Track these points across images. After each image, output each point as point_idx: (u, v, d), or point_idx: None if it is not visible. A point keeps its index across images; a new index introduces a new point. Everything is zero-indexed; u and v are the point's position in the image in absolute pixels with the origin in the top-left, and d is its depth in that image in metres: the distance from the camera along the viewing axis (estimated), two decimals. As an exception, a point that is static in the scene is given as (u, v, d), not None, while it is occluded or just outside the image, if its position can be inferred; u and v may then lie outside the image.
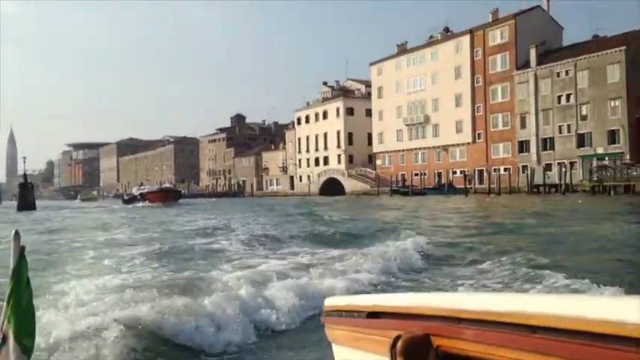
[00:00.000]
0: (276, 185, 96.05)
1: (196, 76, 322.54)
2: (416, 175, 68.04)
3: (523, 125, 57.22)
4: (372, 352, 1.41)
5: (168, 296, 5.69)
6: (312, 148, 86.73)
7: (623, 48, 49.01)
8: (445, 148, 65.99)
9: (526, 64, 57.12)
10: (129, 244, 12.57)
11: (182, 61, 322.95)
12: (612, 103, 49.66)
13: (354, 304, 1.61)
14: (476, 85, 62.45)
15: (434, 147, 67.46)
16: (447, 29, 69.72)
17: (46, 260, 9.85)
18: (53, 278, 7.52)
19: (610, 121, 49.76)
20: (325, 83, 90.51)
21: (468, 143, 63.23)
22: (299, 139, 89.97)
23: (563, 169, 48.78)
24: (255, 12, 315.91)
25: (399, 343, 1.24)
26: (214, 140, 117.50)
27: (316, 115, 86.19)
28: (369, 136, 78.21)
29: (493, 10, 63.17)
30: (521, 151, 57.26)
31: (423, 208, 29.76)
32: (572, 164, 51.52)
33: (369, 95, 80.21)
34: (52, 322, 4.68)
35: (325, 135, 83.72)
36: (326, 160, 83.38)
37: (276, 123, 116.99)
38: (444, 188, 57.08)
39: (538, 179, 50.99)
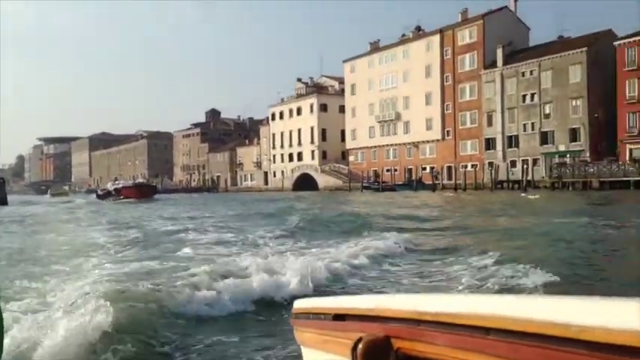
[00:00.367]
0: (251, 181, 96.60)
1: (172, 70, 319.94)
2: (387, 171, 69.40)
3: (490, 123, 58.95)
4: (337, 355, 1.42)
5: (141, 292, 5.90)
6: (286, 143, 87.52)
7: (584, 49, 50.91)
8: (416, 144, 67.44)
9: (493, 64, 58.79)
10: (97, 238, 13.17)
11: (157, 56, 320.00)
12: (574, 103, 51.57)
13: (321, 306, 1.62)
14: (445, 83, 63.97)
15: (405, 143, 68.86)
16: (418, 28, 71.06)
17: (18, 259, 10.03)
18: (21, 279, 7.50)
19: (571, 119, 51.69)
20: (299, 80, 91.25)
21: (438, 140, 64.77)
22: (273, 135, 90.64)
23: (525, 166, 50.53)
24: (231, 8, 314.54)
25: (360, 346, 1.26)
26: (188, 135, 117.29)
27: (290, 111, 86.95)
28: (343, 132, 79.29)
29: (462, 10, 64.78)
30: (487, 148, 59.00)
31: (379, 205, 30.87)
32: (535, 161, 53.38)
33: (342, 92, 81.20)
34: (20, 322, 4.68)
35: (299, 131, 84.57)
36: (300, 156, 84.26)
37: (251, 119, 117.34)
38: (413, 184, 58.52)
39: (503, 176, 52.78)
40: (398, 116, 69.75)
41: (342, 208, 25.44)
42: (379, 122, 72.19)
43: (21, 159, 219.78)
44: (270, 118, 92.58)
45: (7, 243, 13.52)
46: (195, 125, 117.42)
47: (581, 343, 0.79)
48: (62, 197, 79.25)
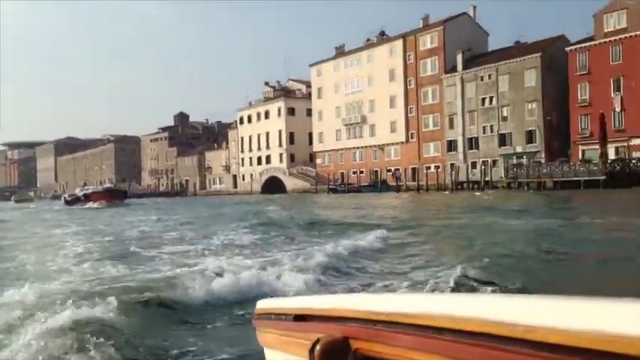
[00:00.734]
0: (220, 184, 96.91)
1: (139, 73, 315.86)
2: (354, 173, 70.80)
3: (451, 126, 60.89)
4: (297, 356, 1.41)
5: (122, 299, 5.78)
6: (254, 147, 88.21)
7: (538, 55, 53.18)
8: (381, 147, 68.98)
9: (454, 68, 60.75)
10: (68, 245, 13.67)
11: (124, 58, 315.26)
12: (529, 106, 53.78)
13: (283, 307, 1.61)
14: (409, 87, 65.70)
15: (371, 146, 70.36)
16: (382, 33, 72.73)
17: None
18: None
19: (527, 122, 53.88)
20: (267, 83, 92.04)
21: (402, 142, 66.44)
22: (242, 139, 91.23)
23: (483, 167, 52.53)
24: (198, 11, 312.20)
25: (318, 347, 1.26)
26: (157, 139, 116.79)
27: (258, 114, 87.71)
28: (310, 135, 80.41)
29: (424, 16, 66.71)
30: (449, 150, 60.91)
31: (336, 207, 32.04)
32: (494, 162, 55.42)
33: (309, 95, 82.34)
34: None
35: (267, 134, 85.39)
36: (268, 159, 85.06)
37: (219, 122, 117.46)
38: (378, 186, 60.00)
39: (464, 176, 54.69)
40: (364, 119, 71.23)
41: (305, 210, 26.43)
42: (345, 125, 73.56)
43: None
44: (238, 121, 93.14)
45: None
46: (164, 129, 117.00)
47: (527, 342, 0.79)
48: (27, 204, 78.21)
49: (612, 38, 48.19)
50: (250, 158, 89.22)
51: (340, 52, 76.51)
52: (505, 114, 55.83)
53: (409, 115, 65.70)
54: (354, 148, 72.71)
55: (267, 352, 1.70)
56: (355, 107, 72.52)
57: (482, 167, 52.35)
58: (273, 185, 77.03)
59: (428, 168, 61.11)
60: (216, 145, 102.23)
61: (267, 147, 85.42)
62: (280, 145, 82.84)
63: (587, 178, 41.22)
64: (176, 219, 23.04)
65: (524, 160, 51.39)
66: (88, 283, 7.25)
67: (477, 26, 65.53)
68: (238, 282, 6.92)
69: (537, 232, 12.78)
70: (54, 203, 69.89)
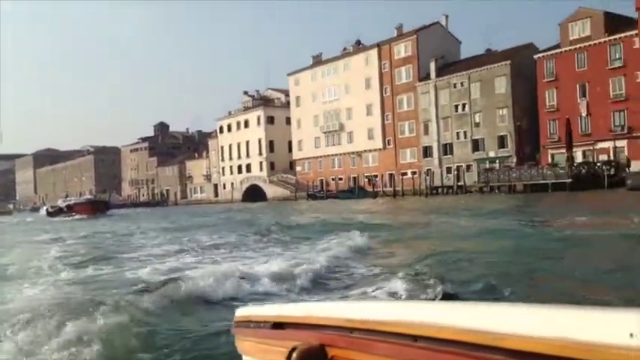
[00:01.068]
0: (201, 193, 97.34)
1: (118, 83, 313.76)
2: (333, 179, 71.91)
3: (426, 132, 62.37)
4: None
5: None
6: (234, 156, 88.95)
7: (508, 62, 54.91)
8: (359, 154, 70.23)
9: (427, 76, 62.31)
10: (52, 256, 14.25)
11: (103, 69, 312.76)
12: (500, 112, 55.45)
13: (262, 315, 1.62)
14: (384, 95, 67.11)
15: (349, 153, 71.57)
16: (358, 42, 74.15)
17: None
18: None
19: (499, 127, 55.55)
20: (246, 92, 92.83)
21: (379, 149, 67.76)
22: (222, 148, 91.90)
23: (456, 172, 54.07)
24: (176, 21, 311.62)
25: (294, 355, 1.27)
26: (136, 150, 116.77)
27: (238, 123, 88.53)
28: (290, 143, 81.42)
29: (397, 25, 68.30)
30: (425, 155, 62.36)
31: (308, 210, 33.04)
32: (468, 167, 56.95)
33: (288, 104, 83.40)
34: None
35: (247, 143, 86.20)
36: (249, 168, 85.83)
37: (199, 132, 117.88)
38: (355, 192, 61.25)
39: (439, 182, 56.13)
40: (341, 127, 72.46)
41: (283, 217, 27.34)
42: (324, 133, 74.71)
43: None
44: (218, 130, 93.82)
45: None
46: (144, 139, 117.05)
47: (499, 350, 0.80)
48: (5, 217, 77.86)
49: (577, 46, 50.02)
50: (231, 167, 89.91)
51: (317, 61, 77.77)
52: (477, 120, 57.44)
53: (385, 122, 67.08)
54: (332, 155, 73.86)
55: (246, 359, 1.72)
56: (333, 115, 73.74)
57: (456, 172, 53.83)
58: (254, 193, 77.82)
59: (404, 174, 62.46)
60: (196, 155, 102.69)
61: (248, 155, 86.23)
62: (260, 153, 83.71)
63: (554, 181, 42.74)
64: (155, 227, 23.82)
65: (497, 165, 52.96)
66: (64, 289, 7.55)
67: (450, 35, 67.25)
68: (217, 289, 6.98)
69: (494, 233, 13.79)
70: (34, 215, 69.73)
